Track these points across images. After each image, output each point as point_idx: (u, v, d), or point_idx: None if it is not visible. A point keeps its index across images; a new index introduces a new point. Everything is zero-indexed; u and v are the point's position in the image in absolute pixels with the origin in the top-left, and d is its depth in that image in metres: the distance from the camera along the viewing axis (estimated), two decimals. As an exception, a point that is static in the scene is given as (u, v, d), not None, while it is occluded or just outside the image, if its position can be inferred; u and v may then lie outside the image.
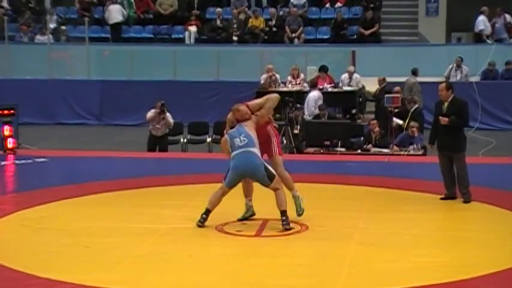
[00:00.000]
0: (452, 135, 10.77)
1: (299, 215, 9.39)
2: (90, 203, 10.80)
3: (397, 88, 17.90)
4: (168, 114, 16.03)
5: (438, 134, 10.94)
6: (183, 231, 9.17)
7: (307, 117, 17.72)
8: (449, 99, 10.84)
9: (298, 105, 17.79)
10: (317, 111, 17.58)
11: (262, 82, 19.15)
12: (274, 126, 9.70)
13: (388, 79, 19.52)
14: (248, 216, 9.59)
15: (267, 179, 9.14)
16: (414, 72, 19.53)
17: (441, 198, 10.94)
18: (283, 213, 9.16)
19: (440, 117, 10.80)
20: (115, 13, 24.44)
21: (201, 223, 9.19)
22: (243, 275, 7.57)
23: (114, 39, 24.35)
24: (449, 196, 10.89)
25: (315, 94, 18.26)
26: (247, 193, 9.58)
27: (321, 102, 17.85)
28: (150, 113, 15.98)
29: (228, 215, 9.60)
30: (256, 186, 9.43)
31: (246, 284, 7.26)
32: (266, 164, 9.24)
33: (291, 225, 9.16)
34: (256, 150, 9.13)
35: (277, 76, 19.82)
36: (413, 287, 7.05)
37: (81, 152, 16.01)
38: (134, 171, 13.51)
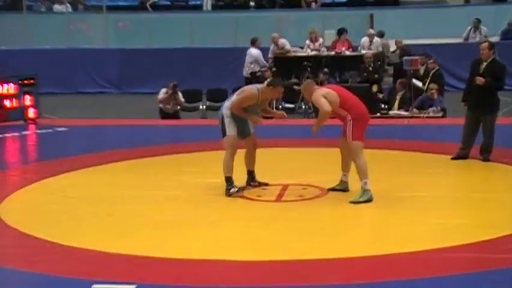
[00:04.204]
0: (485, 96, 10.68)
1: (351, 201, 8.79)
2: (110, 171, 10.88)
3: (368, 54, 17.93)
4: (179, 94, 16.16)
5: (471, 93, 10.85)
6: (204, 197, 9.22)
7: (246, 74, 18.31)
8: (489, 60, 10.74)
9: (326, 70, 17.76)
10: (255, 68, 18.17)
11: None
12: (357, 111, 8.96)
13: (407, 41, 19.41)
14: (339, 189, 9.29)
15: (221, 132, 9.26)
16: (383, 35, 19.69)
17: (452, 158, 10.91)
18: (225, 179, 9.21)
19: (476, 77, 10.70)
20: None
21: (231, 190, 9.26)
22: (265, 239, 7.61)
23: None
24: (462, 156, 10.87)
25: (252, 51, 18.38)
26: (344, 167, 9.29)
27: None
28: (162, 94, 16.10)
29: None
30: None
31: (268, 249, 7.29)
32: (226, 120, 9.16)
33: (238, 188, 9.27)
34: (227, 103, 9.30)
35: (283, 41, 19.44)
36: (435, 249, 7.06)
37: (100, 121, 16.08)
38: (154, 138, 13.57)
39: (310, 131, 8.94)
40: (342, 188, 9.29)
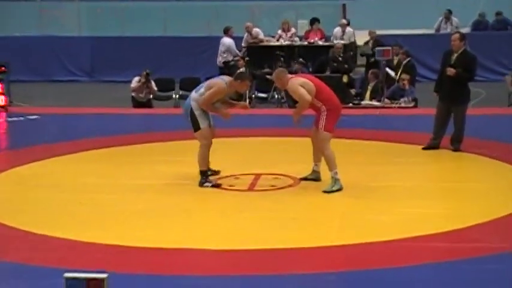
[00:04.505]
0: (456, 87, 10.76)
1: (324, 191, 8.84)
2: (83, 159, 10.84)
3: (338, 44, 18.02)
4: (152, 82, 16.16)
5: (443, 84, 10.94)
6: (177, 187, 9.22)
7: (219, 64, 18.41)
8: (460, 51, 10.82)
9: (301, 60, 17.84)
10: (228, 57, 18.19)
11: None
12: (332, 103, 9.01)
13: (379, 32, 19.49)
14: (311, 178, 9.32)
15: (192, 126, 9.17)
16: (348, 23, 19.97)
17: (423, 148, 11.01)
18: (200, 172, 9.18)
19: (447, 68, 10.79)
20: None
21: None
22: (238, 229, 7.64)
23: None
24: (433, 146, 10.97)
25: (225, 40, 18.44)
26: (316, 158, 9.29)
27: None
28: (134, 83, 16.10)
29: (220, 170, 9.67)
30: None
31: (241, 238, 7.32)
32: (196, 112, 9.07)
33: (218, 182, 9.25)
34: (194, 94, 9.17)
35: (257, 30, 19.47)
36: (406, 238, 7.13)
37: (73, 109, 16.01)
38: (126, 127, 13.53)
39: (283, 121, 8.95)
40: (314, 177, 9.33)
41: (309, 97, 8.79)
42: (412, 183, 9.37)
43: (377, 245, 7.01)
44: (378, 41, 18.75)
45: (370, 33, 19.16)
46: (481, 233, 7.33)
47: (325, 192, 8.82)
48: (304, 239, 7.22)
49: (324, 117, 8.91)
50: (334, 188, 8.83)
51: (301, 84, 8.88)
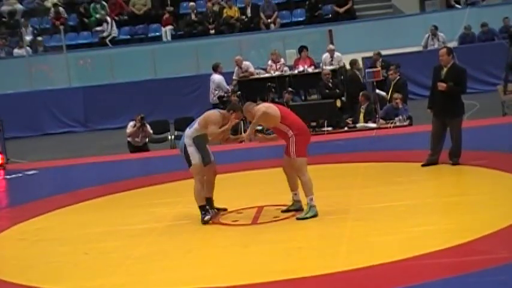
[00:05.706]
0: (449, 101, 10.77)
1: (297, 218, 8.90)
2: (84, 209, 10.83)
3: (325, 70, 17.94)
4: (147, 126, 16.22)
5: (435, 99, 10.95)
6: (179, 227, 9.20)
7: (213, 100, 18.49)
8: (449, 65, 10.86)
9: (290, 89, 17.90)
10: (220, 93, 18.20)
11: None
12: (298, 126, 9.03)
13: (366, 54, 19.53)
14: (293, 209, 9.25)
15: (186, 162, 9.26)
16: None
17: (422, 165, 10.99)
18: (199, 208, 9.21)
19: (438, 83, 10.81)
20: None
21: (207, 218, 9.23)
22: (244, 264, 7.62)
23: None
24: (432, 162, 10.95)
25: (214, 77, 18.49)
26: (292, 187, 9.24)
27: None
28: (130, 128, 16.13)
29: (221, 206, 9.63)
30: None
31: (248, 273, 7.29)
32: (189, 149, 9.17)
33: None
34: (188, 131, 9.30)
35: (247, 63, 19.56)
36: (413, 257, 7.10)
37: (70, 160, 16.00)
38: (124, 173, 13.52)
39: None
40: (296, 208, 9.23)
41: (264, 109, 8.85)
42: (415, 201, 9.34)
43: (385, 267, 6.97)
44: (384, 61, 18.48)
45: (374, 55, 18.94)
46: (487, 245, 7.29)
47: (298, 219, 8.83)
48: (312, 268, 7.18)
49: (293, 143, 8.87)
50: (308, 215, 8.82)
51: (265, 107, 9.02)
